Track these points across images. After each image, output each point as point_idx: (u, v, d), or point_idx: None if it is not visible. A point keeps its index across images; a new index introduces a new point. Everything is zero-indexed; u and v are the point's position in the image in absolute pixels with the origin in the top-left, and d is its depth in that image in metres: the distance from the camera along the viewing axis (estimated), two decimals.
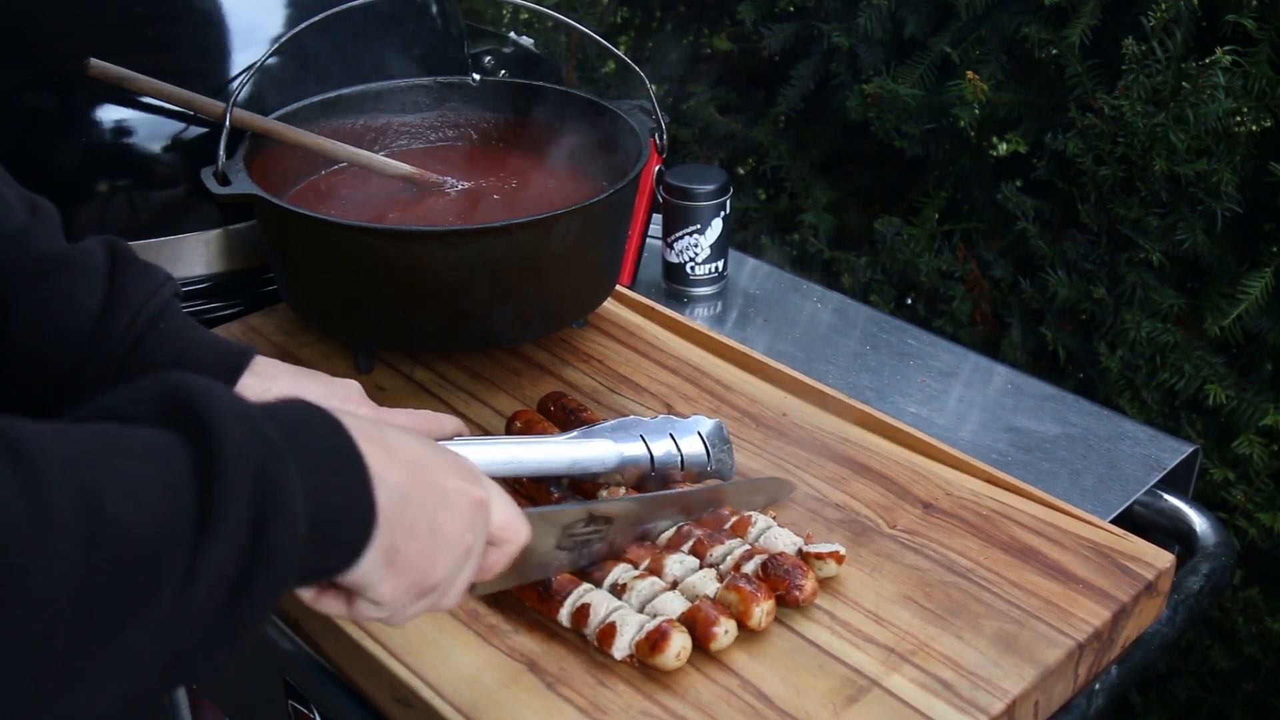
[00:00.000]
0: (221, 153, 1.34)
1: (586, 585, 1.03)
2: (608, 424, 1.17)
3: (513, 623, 1.03)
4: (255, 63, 1.42)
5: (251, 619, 0.65)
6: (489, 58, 1.83)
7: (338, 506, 0.70)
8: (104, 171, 1.44)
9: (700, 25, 2.55)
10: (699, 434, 1.18)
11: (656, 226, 1.67)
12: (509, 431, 1.25)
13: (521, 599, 1.04)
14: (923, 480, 1.21)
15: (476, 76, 1.57)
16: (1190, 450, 1.35)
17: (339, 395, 1.10)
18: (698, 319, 1.57)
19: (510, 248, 1.26)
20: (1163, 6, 1.63)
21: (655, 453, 1.15)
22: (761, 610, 1.00)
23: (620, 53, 1.52)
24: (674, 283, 1.65)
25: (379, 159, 1.49)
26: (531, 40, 2.02)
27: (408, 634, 1.01)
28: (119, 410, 0.65)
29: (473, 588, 0.89)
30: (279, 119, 1.44)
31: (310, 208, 1.39)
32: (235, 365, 1.06)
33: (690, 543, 1.08)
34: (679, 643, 0.96)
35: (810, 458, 1.24)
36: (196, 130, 1.45)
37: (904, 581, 1.08)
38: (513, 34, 2.07)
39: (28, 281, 1.00)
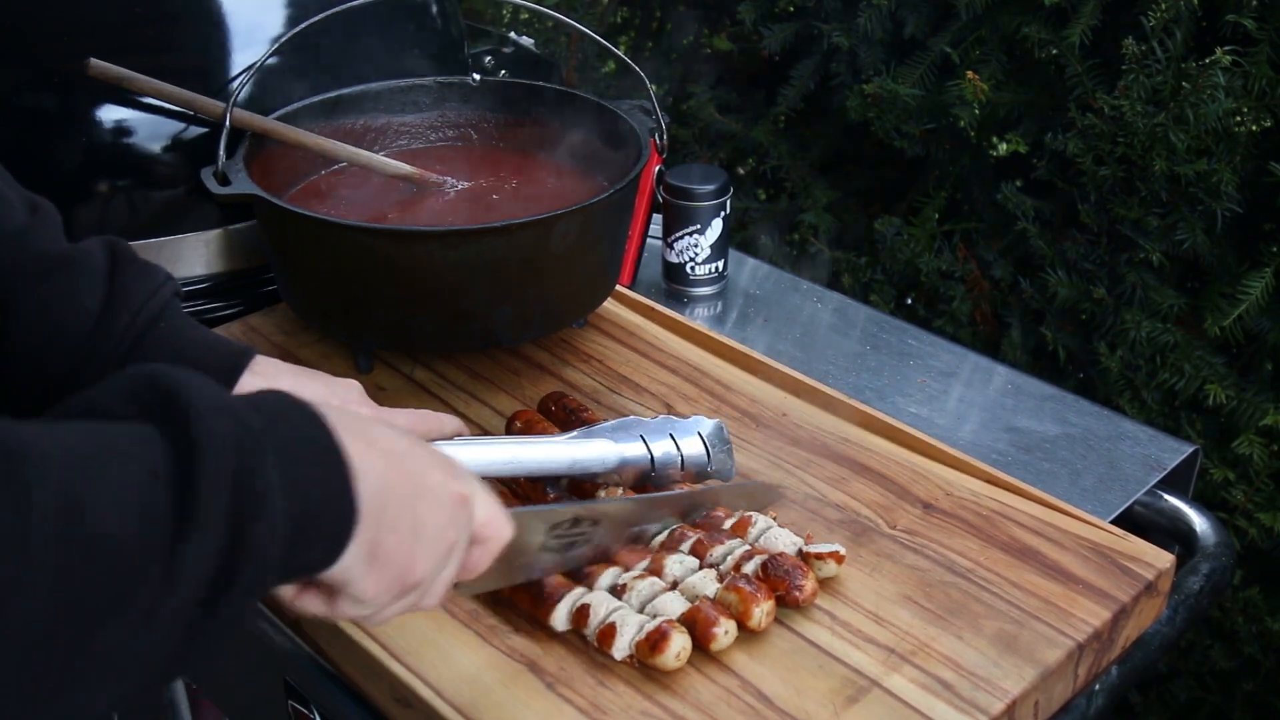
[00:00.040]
0: (221, 153, 1.34)
1: (581, 589, 1.03)
2: (608, 424, 1.17)
3: (513, 623, 1.03)
4: (255, 63, 1.42)
5: (235, 616, 0.65)
6: (489, 58, 1.83)
7: (318, 499, 0.69)
8: (104, 171, 1.44)
9: (700, 25, 2.55)
10: (699, 434, 1.18)
11: (656, 226, 1.67)
12: (509, 431, 1.25)
13: (515, 601, 1.03)
14: (923, 480, 1.21)
15: (476, 76, 1.57)
16: (1190, 450, 1.35)
17: (339, 395, 1.09)
18: (698, 319, 1.57)
19: (510, 248, 1.26)
20: (1163, 6, 1.63)
21: (655, 453, 1.15)
22: (761, 610, 1.00)
23: (620, 53, 1.52)
24: (674, 283, 1.65)
25: (379, 159, 1.49)
26: (531, 40, 2.02)
27: (408, 634, 1.01)
28: (100, 405, 0.65)
29: (457, 587, 0.89)
30: (279, 119, 1.44)
31: (310, 208, 1.39)
32: (235, 365, 1.05)
33: (690, 543, 1.08)
34: (679, 643, 0.96)
35: (810, 458, 1.24)
36: (196, 130, 1.45)
37: (904, 582, 1.08)
38: (513, 34, 2.07)
39: (28, 281, 1.00)
